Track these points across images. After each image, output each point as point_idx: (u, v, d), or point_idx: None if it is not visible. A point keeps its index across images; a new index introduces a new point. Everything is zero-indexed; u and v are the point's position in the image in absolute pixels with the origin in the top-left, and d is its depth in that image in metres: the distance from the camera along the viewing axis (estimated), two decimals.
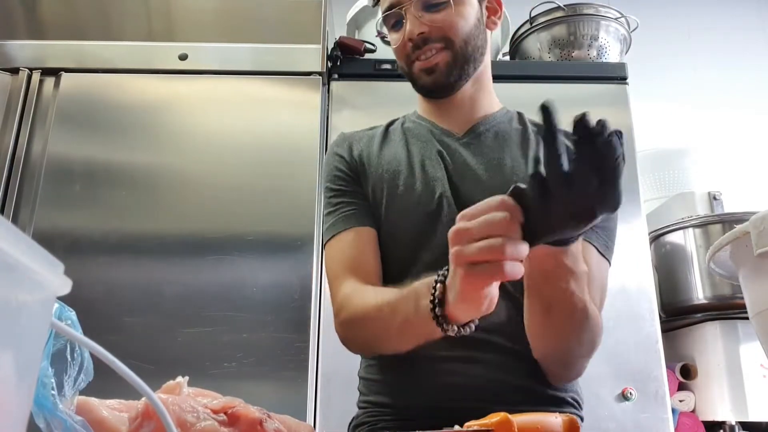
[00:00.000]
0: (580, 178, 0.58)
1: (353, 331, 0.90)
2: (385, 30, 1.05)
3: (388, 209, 0.96)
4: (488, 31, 1.01)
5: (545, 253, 0.69)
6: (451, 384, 0.87)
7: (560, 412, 0.76)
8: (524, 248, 0.61)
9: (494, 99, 1.05)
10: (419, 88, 1.00)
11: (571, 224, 0.62)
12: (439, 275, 0.71)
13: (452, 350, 0.86)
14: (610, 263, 0.93)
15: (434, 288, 0.70)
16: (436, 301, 0.69)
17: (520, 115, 1.05)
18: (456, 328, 0.70)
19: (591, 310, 0.81)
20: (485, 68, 1.02)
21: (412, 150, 1.00)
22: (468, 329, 0.70)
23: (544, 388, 0.90)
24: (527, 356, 0.87)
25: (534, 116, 1.04)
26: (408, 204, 0.94)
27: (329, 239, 0.97)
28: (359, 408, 0.98)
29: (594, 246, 0.90)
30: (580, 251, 0.77)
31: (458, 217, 0.64)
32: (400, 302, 0.78)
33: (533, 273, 0.75)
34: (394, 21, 0.98)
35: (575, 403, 0.93)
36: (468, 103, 1.01)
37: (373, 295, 0.86)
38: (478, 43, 0.97)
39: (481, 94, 1.02)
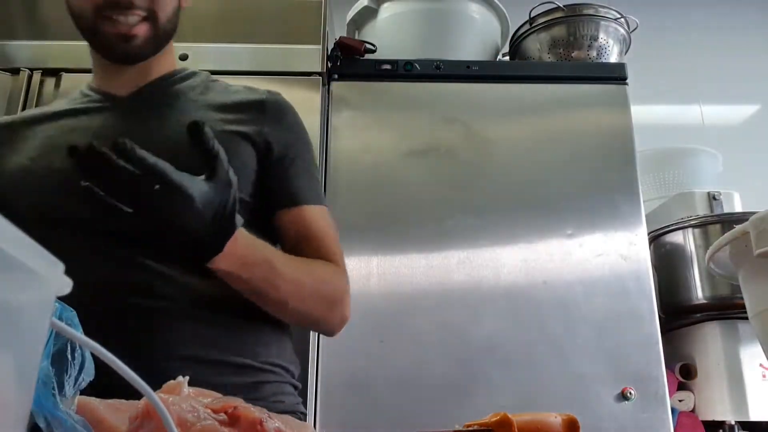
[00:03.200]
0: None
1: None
2: None
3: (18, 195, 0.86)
4: None
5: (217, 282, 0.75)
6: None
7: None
8: None
9: (171, 60, 0.97)
10: (105, 50, 0.88)
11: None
12: None
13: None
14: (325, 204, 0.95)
15: None
16: None
17: (197, 72, 0.99)
18: None
19: (328, 290, 0.86)
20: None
21: (62, 127, 0.90)
22: None
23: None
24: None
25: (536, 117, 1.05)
26: (42, 185, 0.85)
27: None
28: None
29: (313, 205, 0.91)
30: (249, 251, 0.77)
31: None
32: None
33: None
34: None
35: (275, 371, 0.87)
36: (144, 68, 0.92)
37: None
38: (175, 19, 0.91)
39: (160, 59, 0.94)
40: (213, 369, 0.80)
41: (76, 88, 0.99)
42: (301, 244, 0.89)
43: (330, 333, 0.92)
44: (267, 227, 0.90)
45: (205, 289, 0.82)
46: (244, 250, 0.75)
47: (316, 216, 0.91)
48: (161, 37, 0.90)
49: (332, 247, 0.91)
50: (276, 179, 0.90)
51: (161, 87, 0.94)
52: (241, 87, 0.98)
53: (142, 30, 0.86)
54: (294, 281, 0.82)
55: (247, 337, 0.85)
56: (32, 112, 0.97)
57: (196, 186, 0.66)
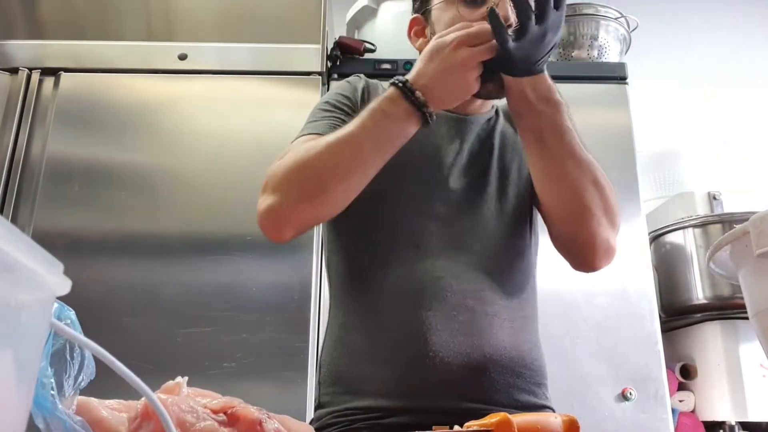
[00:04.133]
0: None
1: (301, 172, 0.83)
2: (438, 4, 0.95)
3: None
4: None
5: (523, 86, 0.84)
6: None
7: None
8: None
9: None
10: None
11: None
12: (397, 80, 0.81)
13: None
14: None
15: (399, 82, 0.81)
16: (407, 84, 0.80)
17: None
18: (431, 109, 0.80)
19: (588, 154, 0.89)
20: None
21: None
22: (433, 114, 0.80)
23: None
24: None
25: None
26: (404, 172, 0.92)
27: (302, 134, 0.91)
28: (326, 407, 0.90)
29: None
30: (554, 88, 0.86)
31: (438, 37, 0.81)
32: (364, 114, 0.82)
33: (519, 109, 0.87)
34: None
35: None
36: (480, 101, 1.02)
37: (329, 135, 0.84)
38: None
39: None
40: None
41: (76, 88, 0.99)
42: None
43: (597, 264, 0.94)
44: None
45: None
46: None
47: None
48: None
49: None
50: None
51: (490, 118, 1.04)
52: None
53: None
54: (596, 166, 0.91)
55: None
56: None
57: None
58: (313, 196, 0.83)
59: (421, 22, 0.99)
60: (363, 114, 0.82)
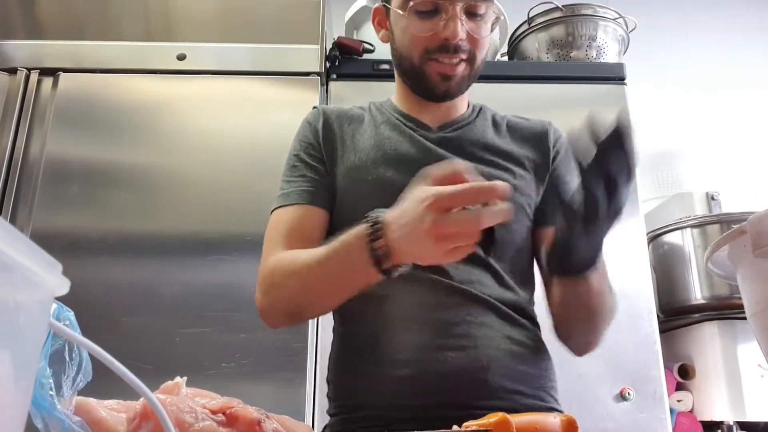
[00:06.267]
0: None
1: (279, 291, 0.87)
2: (397, 8, 0.93)
3: (349, 194, 0.93)
4: None
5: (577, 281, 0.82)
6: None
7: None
8: (503, 209, 0.64)
9: (467, 96, 1.04)
10: (427, 88, 0.95)
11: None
12: (369, 218, 0.73)
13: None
14: None
15: (372, 222, 0.71)
16: (375, 231, 0.70)
17: (482, 108, 1.05)
18: (392, 264, 0.70)
19: (612, 297, 0.88)
20: None
21: (387, 139, 0.96)
22: (401, 268, 0.72)
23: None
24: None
25: (527, 113, 1.06)
26: (374, 192, 0.91)
27: (278, 207, 0.94)
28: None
29: None
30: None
31: (427, 177, 0.67)
32: (331, 250, 0.78)
33: (568, 300, 0.86)
34: (429, 9, 0.90)
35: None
36: (450, 103, 1.00)
37: (303, 255, 0.84)
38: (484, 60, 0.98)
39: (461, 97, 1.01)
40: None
41: (75, 88, 0.99)
42: None
43: (582, 353, 0.95)
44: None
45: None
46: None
47: None
48: (472, 78, 0.96)
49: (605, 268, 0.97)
50: (550, 199, 0.96)
51: (463, 125, 1.00)
52: (518, 119, 1.04)
53: (460, 70, 0.93)
54: (607, 295, 0.88)
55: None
56: (352, 111, 1.03)
57: None
58: (292, 314, 0.89)
59: (383, 14, 1.00)
60: (333, 246, 0.78)
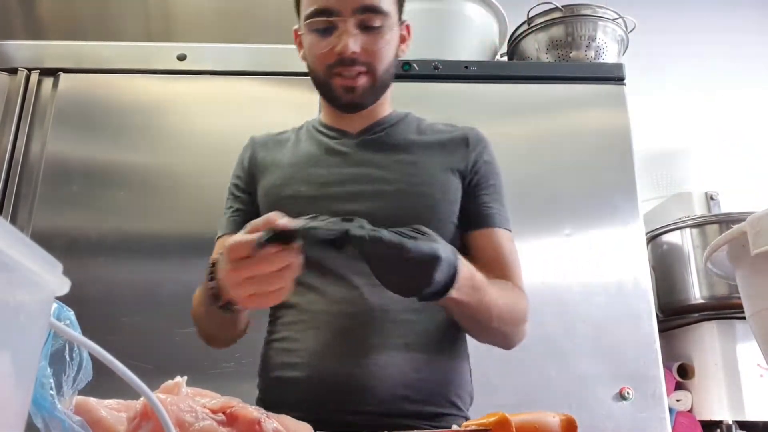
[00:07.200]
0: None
1: (195, 324, 0.97)
2: (302, 29, 1.01)
3: (266, 212, 0.94)
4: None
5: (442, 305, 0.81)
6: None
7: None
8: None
9: (388, 103, 1.08)
10: (335, 101, 1.01)
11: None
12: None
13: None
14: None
15: (211, 263, 0.77)
16: (211, 272, 0.76)
17: (408, 115, 1.09)
18: (224, 302, 0.75)
19: (508, 301, 0.89)
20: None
21: (304, 155, 1.02)
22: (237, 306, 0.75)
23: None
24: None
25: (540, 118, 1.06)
26: (290, 207, 0.91)
27: (218, 235, 1.06)
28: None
29: (502, 228, 0.99)
30: (471, 280, 0.81)
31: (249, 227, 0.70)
32: (201, 289, 0.85)
33: (453, 312, 0.87)
34: (324, 27, 0.96)
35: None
36: (368, 111, 1.04)
37: (197, 292, 0.92)
38: (392, 70, 1.01)
39: (380, 103, 1.05)
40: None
41: (75, 88, 0.99)
42: (491, 264, 0.95)
43: (509, 348, 0.97)
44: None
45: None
46: (470, 277, 0.80)
47: (506, 239, 0.99)
48: (378, 88, 1.00)
49: (518, 270, 0.98)
50: (474, 204, 1.00)
51: (384, 128, 1.04)
52: (441, 125, 1.08)
53: (361, 81, 0.97)
54: (498, 303, 0.87)
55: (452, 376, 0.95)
56: (281, 136, 1.11)
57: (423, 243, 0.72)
58: (209, 343, 1.00)
59: (299, 35, 1.06)
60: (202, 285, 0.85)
